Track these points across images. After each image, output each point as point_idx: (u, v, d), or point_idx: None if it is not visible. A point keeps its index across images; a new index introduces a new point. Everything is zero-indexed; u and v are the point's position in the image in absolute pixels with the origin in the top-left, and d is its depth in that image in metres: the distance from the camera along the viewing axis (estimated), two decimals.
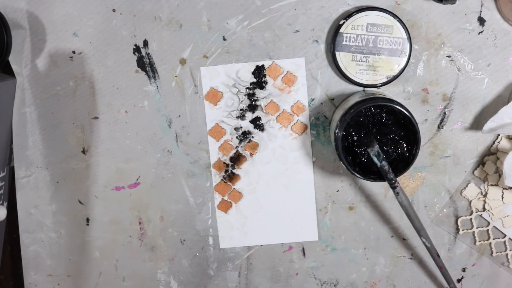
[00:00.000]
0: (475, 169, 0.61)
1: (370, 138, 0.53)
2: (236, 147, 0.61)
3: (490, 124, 0.56)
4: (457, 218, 0.62)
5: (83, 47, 0.59)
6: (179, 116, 0.60)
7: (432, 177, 0.61)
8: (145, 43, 0.59)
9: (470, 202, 0.61)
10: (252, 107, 0.60)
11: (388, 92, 0.59)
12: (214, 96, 0.60)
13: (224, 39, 0.59)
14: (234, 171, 0.62)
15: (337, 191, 0.62)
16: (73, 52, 0.59)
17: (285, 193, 0.62)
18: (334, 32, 0.57)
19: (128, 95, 0.60)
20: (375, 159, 0.53)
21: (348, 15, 0.56)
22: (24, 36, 0.59)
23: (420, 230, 0.57)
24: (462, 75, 0.59)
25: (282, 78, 0.59)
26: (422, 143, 0.57)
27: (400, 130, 0.55)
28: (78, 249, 0.64)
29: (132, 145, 0.61)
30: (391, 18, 0.56)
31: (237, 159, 0.61)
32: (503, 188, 0.60)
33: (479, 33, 0.58)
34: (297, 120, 0.60)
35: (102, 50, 0.59)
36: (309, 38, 0.58)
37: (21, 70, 0.59)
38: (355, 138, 0.55)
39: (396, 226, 0.62)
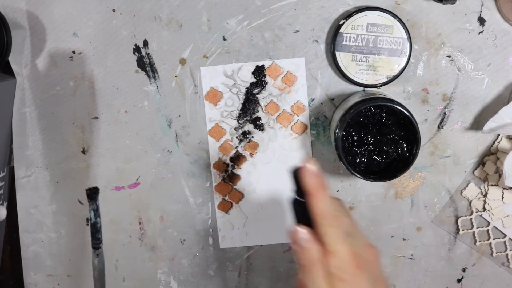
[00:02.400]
0: (475, 169, 0.61)
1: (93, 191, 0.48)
2: (236, 147, 0.61)
3: (490, 124, 0.56)
4: (457, 218, 0.62)
5: (83, 47, 0.59)
6: (179, 116, 0.60)
7: (432, 177, 0.61)
8: (145, 43, 0.59)
9: (470, 202, 0.61)
10: (252, 107, 0.60)
11: (388, 92, 0.59)
12: (214, 96, 0.60)
13: (224, 39, 0.59)
14: (234, 171, 0.62)
15: (337, 191, 0.62)
16: (73, 52, 0.59)
17: (285, 193, 0.62)
18: (334, 32, 0.57)
19: (128, 95, 0.60)
20: (91, 214, 0.49)
21: (348, 15, 0.56)
22: (24, 36, 0.59)
23: None
24: (462, 75, 0.59)
25: (282, 78, 0.59)
26: (422, 143, 0.57)
27: (400, 130, 0.55)
28: (78, 249, 0.64)
29: (132, 145, 0.61)
30: (391, 18, 0.56)
31: (237, 159, 0.61)
32: (503, 188, 0.60)
33: (479, 33, 0.58)
34: (297, 120, 0.60)
35: (102, 50, 0.59)
36: (309, 38, 0.58)
37: (21, 70, 0.59)
38: (355, 138, 0.55)
39: (396, 226, 0.62)
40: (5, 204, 0.62)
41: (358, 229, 0.46)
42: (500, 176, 0.60)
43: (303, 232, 0.44)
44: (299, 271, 0.45)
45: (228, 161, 0.61)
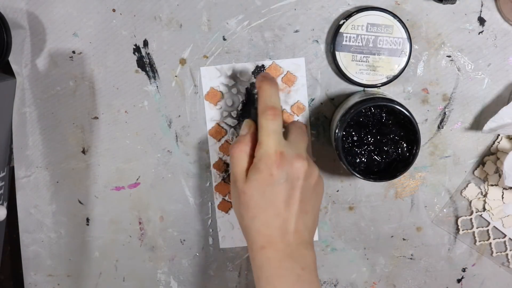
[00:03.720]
0: (475, 169, 0.61)
1: None
2: None
3: (490, 124, 0.56)
4: (457, 218, 0.62)
5: (83, 47, 0.59)
6: (179, 116, 0.60)
7: (432, 177, 0.61)
8: (145, 43, 0.59)
9: (470, 202, 0.61)
10: (252, 107, 0.60)
11: (388, 92, 0.59)
12: (214, 96, 0.60)
13: (224, 39, 0.59)
14: None
15: (337, 191, 0.62)
16: (73, 52, 0.59)
17: None
18: (334, 32, 0.57)
19: (128, 95, 0.60)
20: None
21: (348, 15, 0.56)
22: (24, 36, 0.59)
23: None
24: (462, 75, 0.59)
25: (282, 78, 0.59)
26: (422, 143, 0.57)
27: (400, 130, 0.55)
28: (78, 249, 0.64)
29: (132, 145, 0.61)
30: (391, 18, 0.56)
31: None
32: (503, 188, 0.60)
33: (479, 33, 0.58)
34: (297, 120, 0.60)
35: (102, 50, 0.59)
36: (309, 38, 0.58)
37: (21, 70, 0.59)
38: (355, 138, 0.55)
39: (396, 226, 0.62)
40: (5, 204, 0.62)
41: (302, 143, 0.51)
42: (500, 176, 0.60)
43: (245, 121, 0.53)
44: (232, 146, 0.51)
45: (228, 161, 0.61)
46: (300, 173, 0.49)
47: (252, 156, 0.50)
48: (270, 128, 0.49)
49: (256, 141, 0.51)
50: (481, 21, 0.57)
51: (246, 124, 0.52)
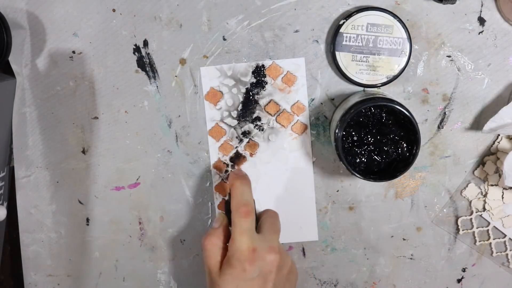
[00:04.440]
0: (475, 169, 0.61)
1: None
2: (236, 147, 0.61)
3: (490, 124, 0.56)
4: (457, 218, 0.62)
5: (83, 47, 0.59)
6: (179, 116, 0.60)
7: (432, 177, 0.61)
8: (145, 43, 0.59)
9: (470, 202, 0.61)
10: (252, 107, 0.60)
11: (388, 92, 0.59)
12: (214, 96, 0.60)
13: (224, 39, 0.59)
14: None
15: (337, 191, 0.62)
16: (73, 52, 0.59)
17: (285, 193, 0.62)
18: (334, 32, 0.57)
19: (128, 95, 0.60)
20: None
21: (348, 15, 0.56)
22: (24, 36, 0.59)
23: None
24: (462, 75, 0.59)
25: (282, 78, 0.59)
26: (422, 143, 0.57)
27: (400, 130, 0.55)
28: (78, 249, 0.64)
29: (132, 145, 0.61)
30: (391, 18, 0.56)
31: (237, 159, 0.61)
32: (503, 188, 0.60)
33: (479, 33, 0.58)
34: (297, 120, 0.60)
35: (102, 50, 0.59)
36: (309, 38, 0.58)
37: (21, 70, 0.59)
38: (355, 138, 0.55)
39: (396, 226, 0.62)
40: (5, 204, 0.62)
41: (274, 234, 0.53)
42: (500, 176, 0.60)
43: (218, 215, 0.55)
44: (205, 239, 0.53)
45: (228, 161, 0.61)
46: (272, 267, 0.51)
47: (224, 249, 0.52)
48: (243, 226, 0.51)
49: (227, 233, 0.53)
50: (481, 21, 0.57)
51: (219, 218, 0.55)
